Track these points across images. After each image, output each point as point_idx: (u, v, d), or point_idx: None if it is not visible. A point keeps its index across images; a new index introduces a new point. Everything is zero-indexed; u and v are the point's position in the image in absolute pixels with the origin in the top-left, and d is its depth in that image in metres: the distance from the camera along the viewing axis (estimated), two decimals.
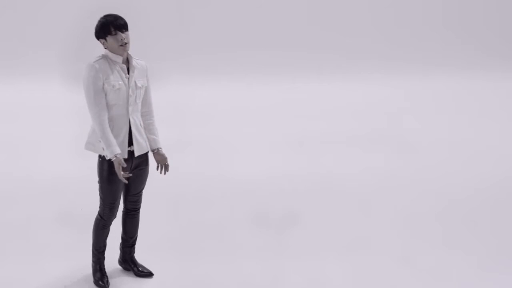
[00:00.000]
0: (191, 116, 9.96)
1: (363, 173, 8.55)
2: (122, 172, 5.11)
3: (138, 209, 5.73)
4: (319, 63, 11.24)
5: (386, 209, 7.29)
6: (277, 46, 11.32)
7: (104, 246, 5.54)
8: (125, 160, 5.29)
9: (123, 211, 5.69)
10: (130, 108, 5.22)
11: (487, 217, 7.06)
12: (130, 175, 5.16)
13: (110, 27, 5.13)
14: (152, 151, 5.51)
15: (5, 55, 10.28)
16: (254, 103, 10.46)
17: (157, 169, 5.53)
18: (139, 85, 5.31)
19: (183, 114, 9.93)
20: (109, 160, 5.22)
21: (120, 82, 5.26)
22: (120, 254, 5.81)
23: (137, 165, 5.45)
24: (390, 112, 10.14)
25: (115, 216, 5.47)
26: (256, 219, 6.99)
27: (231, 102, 10.50)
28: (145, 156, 5.46)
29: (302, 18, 11.97)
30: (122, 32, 5.17)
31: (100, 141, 5.19)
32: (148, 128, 5.57)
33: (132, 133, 5.36)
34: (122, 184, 5.34)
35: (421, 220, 6.96)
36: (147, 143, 5.48)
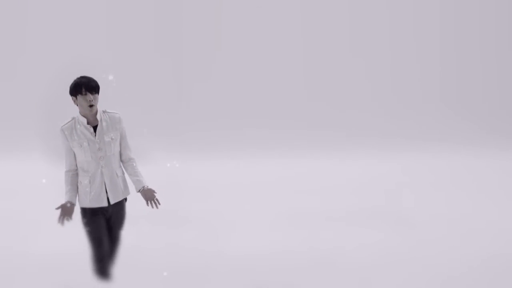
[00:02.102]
0: (190, 192, 9.98)
1: (362, 248, 8.53)
2: (64, 218, 5.82)
3: (116, 251, 6.20)
4: (318, 139, 11.32)
5: (386, 286, 7.25)
6: (277, 122, 11.43)
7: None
8: (102, 207, 5.96)
9: None
10: (102, 162, 5.81)
11: None
12: (65, 223, 5.88)
13: (82, 87, 5.77)
14: (138, 191, 6.04)
15: (5, 131, 10.37)
16: (254, 179, 10.49)
17: (147, 205, 5.94)
18: (107, 139, 5.94)
19: (182, 190, 9.96)
20: (84, 209, 5.94)
21: (84, 141, 5.93)
22: None
23: (114, 211, 6.05)
24: (389, 187, 10.16)
25: (105, 253, 6.07)
26: None
27: (230, 178, 10.53)
28: (121, 203, 6.07)
29: (301, 95, 12.10)
30: (92, 94, 5.77)
31: (77, 195, 5.94)
32: (130, 172, 6.11)
33: (106, 184, 5.97)
34: (102, 226, 5.98)
35: None
36: (125, 190, 6.09)
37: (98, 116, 6.11)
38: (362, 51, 12.27)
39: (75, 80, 6.00)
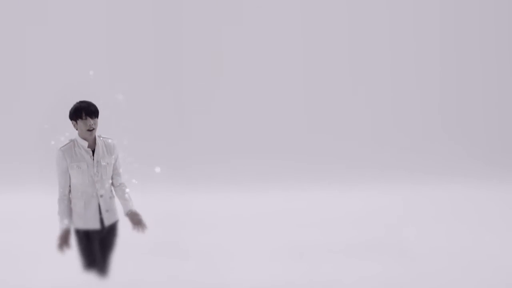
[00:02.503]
0: (191, 224, 9.98)
1: (363, 281, 8.51)
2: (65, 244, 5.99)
3: (107, 272, 6.35)
4: (319, 171, 11.32)
5: None
6: (277, 155, 11.44)
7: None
8: (95, 229, 6.15)
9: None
10: (97, 185, 5.97)
11: None
12: (68, 250, 6.10)
13: (82, 112, 5.94)
14: (126, 215, 6.28)
15: (5, 165, 10.39)
16: (254, 211, 10.49)
17: (133, 229, 6.11)
18: (103, 163, 6.13)
19: (182, 222, 9.96)
20: (78, 231, 6.10)
21: (83, 163, 6.10)
22: None
23: (108, 233, 6.24)
24: (389, 220, 10.15)
25: (96, 273, 6.27)
26: None
27: (230, 210, 10.53)
28: (114, 225, 6.28)
29: (302, 127, 12.12)
30: (92, 118, 5.96)
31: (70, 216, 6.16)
32: (120, 195, 6.35)
33: (101, 206, 6.14)
34: (94, 247, 6.19)
35: None
36: (117, 213, 6.31)
37: (96, 140, 6.37)
38: (362, 83, 12.32)
39: (75, 105, 6.21)
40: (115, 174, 6.41)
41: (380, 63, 12.69)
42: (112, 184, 6.39)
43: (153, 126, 11.55)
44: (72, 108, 6.21)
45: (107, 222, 6.25)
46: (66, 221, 6.21)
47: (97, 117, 6.22)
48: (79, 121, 6.19)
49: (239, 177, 11.11)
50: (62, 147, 6.21)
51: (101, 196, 6.28)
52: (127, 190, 6.41)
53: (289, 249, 9.53)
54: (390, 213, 10.35)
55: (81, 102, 6.27)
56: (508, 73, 13.27)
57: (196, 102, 12.22)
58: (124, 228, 6.53)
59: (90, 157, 6.25)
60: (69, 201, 6.29)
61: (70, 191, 6.31)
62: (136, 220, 6.29)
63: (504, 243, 9.93)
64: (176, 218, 9.90)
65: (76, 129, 6.29)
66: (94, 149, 6.30)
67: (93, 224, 6.18)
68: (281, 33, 12.39)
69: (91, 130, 6.20)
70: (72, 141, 6.28)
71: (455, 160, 12.03)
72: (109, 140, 6.38)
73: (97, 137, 6.33)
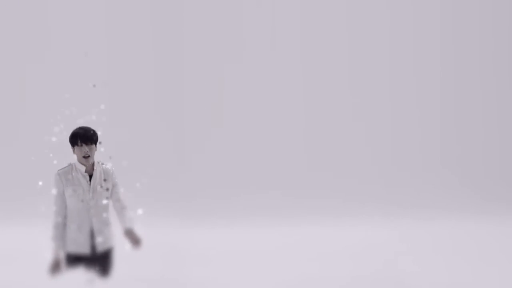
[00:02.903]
0: (191, 259, 9.97)
1: None
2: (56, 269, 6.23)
3: None
4: (317, 206, 11.34)
5: None
6: (277, 190, 11.46)
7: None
8: (85, 254, 6.25)
9: None
10: (92, 210, 6.04)
11: None
12: (59, 274, 5.93)
13: (78, 139, 6.00)
14: (125, 233, 6.42)
15: (3, 196, 10.41)
16: (253, 246, 10.48)
17: (132, 248, 6.19)
18: (99, 189, 6.18)
19: (182, 257, 9.95)
20: (68, 254, 6.17)
21: (79, 188, 6.23)
22: None
23: (101, 260, 6.37)
24: (388, 254, 10.14)
25: None
26: None
27: (230, 245, 10.52)
28: (109, 253, 6.40)
29: (300, 162, 12.16)
30: (87, 145, 6.02)
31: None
32: (120, 217, 6.44)
33: (94, 231, 6.24)
34: (77, 271, 6.12)
35: None
36: (112, 239, 6.43)
37: (94, 166, 6.48)
38: (360, 118, 12.38)
39: (73, 131, 6.43)
40: (115, 200, 6.55)
41: (379, 100, 12.77)
42: (115, 209, 6.61)
43: (154, 161, 11.58)
44: (70, 134, 6.36)
45: (100, 248, 6.36)
46: (59, 248, 6.28)
47: (94, 144, 6.33)
48: (76, 148, 6.36)
49: (239, 212, 11.13)
50: (60, 170, 6.46)
51: (95, 222, 6.36)
52: (129, 212, 6.49)
53: (288, 284, 9.52)
54: (388, 248, 10.34)
55: (79, 128, 6.42)
56: (508, 109, 13.34)
57: (197, 138, 12.27)
58: (121, 264, 6.53)
59: (87, 182, 6.36)
60: (64, 226, 6.37)
61: (66, 216, 6.41)
62: (130, 236, 6.36)
63: (504, 278, 9.92)
64: (176, 253, 9.90)
65: (74, 154, 6.47)
66: (92, 175, 6.40)
67: (84, 249, 6.26)
68: (281, 70, 12.48)
69: (86, 157, 6.31)
70: (71, 165, 6.42)
71: (454, 194, 12.05)
72: (107, 166, 6.49)
73: (95, 163, 6.44)
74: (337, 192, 11.99)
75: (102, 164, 6.44)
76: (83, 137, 6.25)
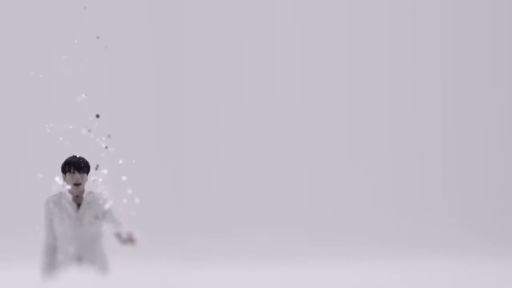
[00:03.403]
0: None
1: None
2: None
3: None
4: (317, 247, 11.29)
5: None
6: (277, 230, 11.42)
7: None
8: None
9: None
10: (81, 239, 6.06)
11: None
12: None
13: (71, 166, 6.10)
14: (115, 235, 6.10)
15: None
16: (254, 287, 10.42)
17: (122, 245, 6.18)
18: (88, 219, 6.24)
19: None
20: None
21: (66, 215, 6.13)
22: None
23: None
24: None
25: None
26: None
27: (230, 287, 10.46)
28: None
29: (302, 203, 12.12)
30: (80, 173, 6.12)
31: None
32: (114, 231, 6.45)
33: (83, 261, 6.29)
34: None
35: None
36: (106, 269, 6.49)
37: (84, 195, 6.54)
38: (362, 157, 12.37)
39: (66, 159, 6.61)
40: (110, 222, 6.60)
41: (380, 140, 12.77)
42: (111, 229, 6.67)
43: (154, 202, 11.56)
44: (63, 162, 6.55)
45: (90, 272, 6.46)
46: (44, 275, 6.32)
47: (86, 173, 6.43)
48: (68, 174, 6.45)
49: (238, 253, 11.08)
50: (50, 197, 6.59)
51: (84, 252, 6.42)
52: (124, 227, 6.51)
53: None
54: None
55: (72, 156, 6.56)
56: (508, 156, 13.32)
57: (196, 178, 12.26)
58: None
59: (74, 210, 6.42)
60: (55, 251, 6.43)
61: (56, 239, 6.47)
62: (124, 238, 6.34)
63: None
64: None
65: (65, 182, 6.54)
66: (80, 204, 6.48)
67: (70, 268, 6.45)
68: (281, 111, 12.51)
69: (77, 184, 6.41)
70: (61, 193, 6.51)
71: (456, 236, 11.98)
72: (100, 196, 6.54)
73: (86, 193, 6.50)
74: (338, 233, 11.95)
75: (94, 193, 6.50)
76: (76, 165, 6.38)
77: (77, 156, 6.38)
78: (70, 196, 6.27)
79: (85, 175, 6.34)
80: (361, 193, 12.52)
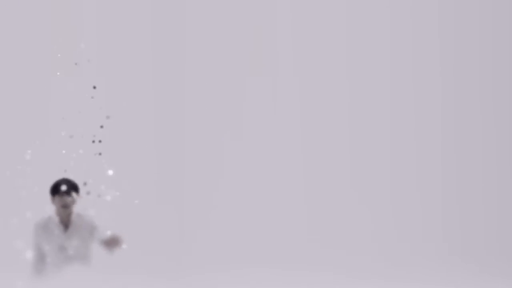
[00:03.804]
0: None
1: None
2: None
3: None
4: (316, 281, 11.30)
5: None
6: (275, 264, 11.43)
7: None
8: None
9: None
10: (69, 262, 6.04)
11: None
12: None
13: (58, 188, 6.14)
14: (100, 242, 6.12)
15: None
16: None
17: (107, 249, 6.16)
18: (75, 242, 6.24)
19: None
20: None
21: (54, 238, 6.18)
22: None
23: None
24: None
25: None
26: None
27: None
28: None
29: (302, 238, 12.15)
30: (68, 195, 6.12)
31: None
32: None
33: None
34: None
35: None
36: None
37: (72, 217, 6.53)
38: (362, 194, 12.44)
39: (55, 181, 6.62)
40: (99, 241, 6.61)
41: (379, 176, 12.85)
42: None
43: (154, 240, 11.60)
44: (52, 184, 6.60)
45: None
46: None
47: (75, 195, 6.41)
48: (56, 197, 6.46)
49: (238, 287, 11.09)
50: (38, 221, 6.61)
51: (72, 274, 6.42)
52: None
53: None
54: None
55: (62, 179, 6.57)
56: (508, 194, 13.38)
57: (197, 216, 12.31)
58: None
59: (62, 232, 6.42)
60: (45, 263, 6.43)
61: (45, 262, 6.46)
62: (109, 242, 6.31)
63: None
64: None
65: (54, 205, 6.55)
66: (68, 226, 6.47)
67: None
68: (281, 150, 12.61)
69: (65, 207, 6.41)
70: (49, 217, 6.53)
71: (457, 271, 12.02)
72: (88, 218, 6.55)
73: (74, 216, 6.49)
74: (338, 268, 11.96)
75: (83, 215, 6.52)
76: (64, 187, 6.39)
77: (66, 178, 6.44)
78: (57, 219, 6.32)
79: (74, 198, 6.38)
80: (361, 229, 12.57)
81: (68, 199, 6.36)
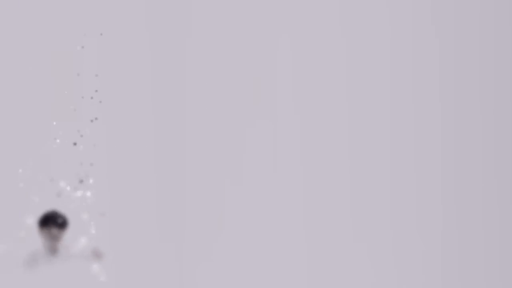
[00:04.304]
0: None
1: None
2: None
3: None
4: None
5: None
6: None
7: None
8: None
9: None
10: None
11: None
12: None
13: (48, 222, 5.94)
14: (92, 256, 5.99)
15: None
16: None
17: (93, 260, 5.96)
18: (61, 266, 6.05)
19: None
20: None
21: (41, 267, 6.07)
22: None
23: None
24: None
25: None
26: None
27: None
28: None
29: (301, 283, 12.17)
30: (57, 229, 5.90)
31: None
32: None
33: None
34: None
35: None
36: None
37: (59, 249, 6.28)
38: (364, 246, 12.52)
39: (44, 213, 6.32)
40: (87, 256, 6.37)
41: (380, 224, 12.95)
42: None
43: (154, 280, 11.65)
44: (41, 215, 6.30)
45: None
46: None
47: (63, 229, 6.10)
48: (43, 229, 6.24)
49: None
50: (31, 251, 6.28)
51: None
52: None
53: None
54: None
55: (51, 211, 6.27)
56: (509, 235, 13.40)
57: (197, 257, 12.36)
58: None
59: (48, 260, 6.18)
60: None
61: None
62: (90, 256, 6.14)
63: None
64: None
65: (41, 237, 6.30)
66: (55, 255, 6.26)
67: None
68: (282, 196, 12.76)
69: (52, 241, 6.14)
70: (36, 249, 6.26)
71: None
72: (75, 252, 6.29)
73: (63, 247, 6.24)
74: None
75: (68, 247, 6.24)
76: (53, 221, 6.08)
77: (55, 211, 6.17)
78: (44, 250, 6.04)
79: (62, 232, 6.09)
80: (363, 283, 12.57)
81: (57, 232, 6.08)
